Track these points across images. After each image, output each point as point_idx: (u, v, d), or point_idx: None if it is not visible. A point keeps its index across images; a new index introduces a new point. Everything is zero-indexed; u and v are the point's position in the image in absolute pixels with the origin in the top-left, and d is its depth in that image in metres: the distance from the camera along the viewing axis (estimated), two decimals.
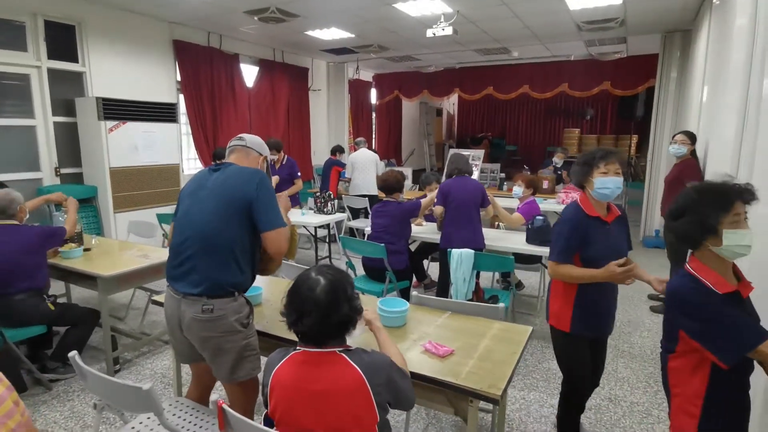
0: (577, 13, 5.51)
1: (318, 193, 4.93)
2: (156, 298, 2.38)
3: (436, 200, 3.73)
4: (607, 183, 1.94)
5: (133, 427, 1.73)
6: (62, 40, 5.10)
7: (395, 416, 2.54)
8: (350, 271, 3.81)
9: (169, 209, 5.53)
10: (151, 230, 4.25)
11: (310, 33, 6.63)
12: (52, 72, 5.01)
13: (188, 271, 1.75)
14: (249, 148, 1.98)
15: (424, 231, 4.10)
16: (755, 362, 1.34)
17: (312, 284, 1.33)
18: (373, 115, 11.07)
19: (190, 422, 1.77)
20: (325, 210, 4.87)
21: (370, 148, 6.94)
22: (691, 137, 4.02)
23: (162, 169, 5.62)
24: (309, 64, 8.61)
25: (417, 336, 1.94)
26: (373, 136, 11.18)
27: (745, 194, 1.34)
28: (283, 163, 5.33)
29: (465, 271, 3.09)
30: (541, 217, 3.54)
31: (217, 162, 1.90)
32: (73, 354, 1.68)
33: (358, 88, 10.08)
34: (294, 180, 5.32)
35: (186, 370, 2.48)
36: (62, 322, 2.96)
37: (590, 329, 2.07)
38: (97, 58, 5.34)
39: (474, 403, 1.59)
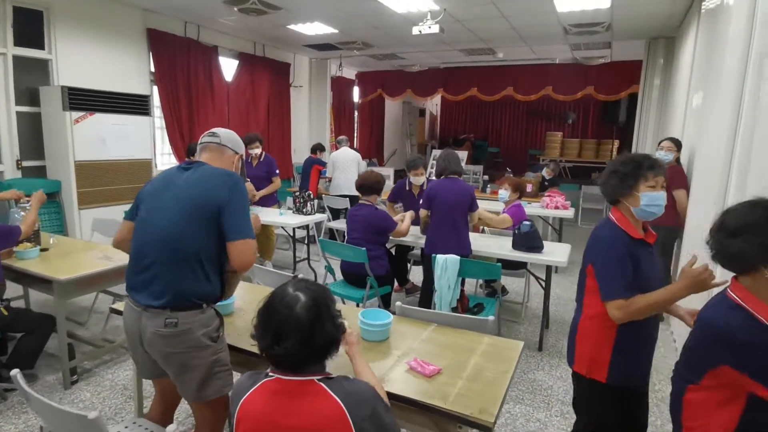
0: (564, 15, 5.45)
1: (297, 193, 4.74)
2: (116, 306, 2.18)
3: (421, 202, 3.59)
4: (657, 199, 1.60)
5: None
6: (29, 26, 4.80)
7: None
8: (329, 276, 3.64)
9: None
10: (116, 228, 3.99)
11: (292, 27, 6.42)
12: (17, 59, 4.71)
13: (150, 280, 1.57)
14: (223, 146, 1.79)
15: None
16: None
17: (290, 301, 1.16)
18: (356, 113, 10.89)
19: None
20: (304, 210, 4.68)
21: (352, 147, 6.77)
22: (677, 144, 3.97)
23: (133, 164, 5.35)
24: (291, 59, 8.40)
25: (401, 352, 1.79)
26: (355, 134, 11.00)
27: None
28: (261, 160, 5.12)
29: (450, 278, 2.95)
30: (528, 222, 3.43)
31: (188, 160, 1.71)
32: (15, 373, 1.49)
33: (340, 86, 9.90)
34: (272, 178, 5.12)
35: (150, 382, 2.28)
36: (15, 328, 2.72)
37: (632, 379, 1.70)
38: (65, 45, 5.04)
39: (463, 429, 1.45)
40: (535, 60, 8.45)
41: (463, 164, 8.01)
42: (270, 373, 1.19)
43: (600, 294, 1.64)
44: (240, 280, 1.89)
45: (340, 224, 5.69)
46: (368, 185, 3.60)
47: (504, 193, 3.94)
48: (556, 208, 5.43)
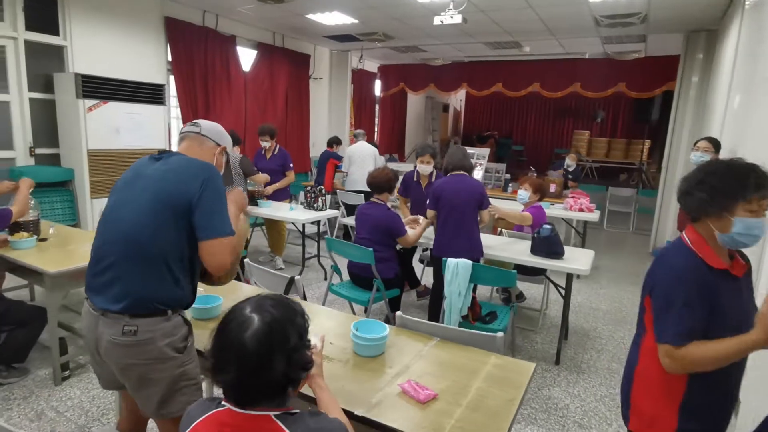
0: (596, 5, 5.12)
1: (309, 188, 4.59)
2: None
3: (428, 202, 3.38)
4: (756, 228, 1.23)
5: None
6: (42, 11, 4.74)
7: None
8: (336, 276, 3.48)
9: None
10: None
11: (311, 17, 6.25)
12: (29, 45, 4.66)
13: (109, 282, 1.42)
14: (204, 137, 1.64)
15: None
16: None
17: (242, 324, 0.98)
18: (377, 107, 10.68)
19: None
20: (315, 206, 4.52)
21: (370, 141, 6.59)
22: (715, 144, 3.64)
23: (146, 153, 5.26)
24: (311, 50, 8.24)
25: (396, 371, 1.60)
26: (376, 129, 10.81)
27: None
28: (275, 153, 4.99)
29: (461, 283, 2.74)
30: (548, 226, 3.18)
31: (161, 151, 1.55)
32: None
33: (362, 79, 9.71)
34: (285, 172, 4.98)
35: None
36: (7, 320, 2.64)
37: None
38: (80, 31, 4.98)
39: None
40: (563, 55, 8.08)
41: (485, 162, 7.81)
42: (223, 402, 1.01)
43: (654, 332, 1.32)
44: (236, 273, 1.72)
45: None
46: (378, 183, 3.41)
47: (524, 193, 3.69)
48: (581, 210, 5.14)
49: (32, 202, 2.95)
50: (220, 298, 1.97)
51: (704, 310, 1.24)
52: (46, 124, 4.88)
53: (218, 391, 1.03)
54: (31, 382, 2.67)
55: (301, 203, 5.00)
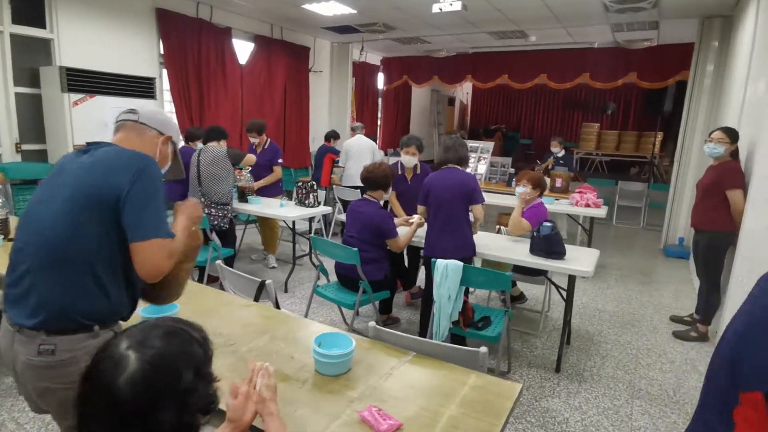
0: None
1: (300, 183, 4.40)
2: None
3: (419, 198, 3.18)
4: None
5: None
6: (29, 4, 4.60)
7: None
8: (322, 277, 3.29)
9: None
10: None
11: (308, 7, 6.05)
12: (15, 38, 4.53)
13: (25, 292, 1.24)
14: (143, 125, 1.44)
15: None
16: None
17: (115, 365, 0.78)
18: (380, 101, 10.45)
19: None
20: (306, 202, 4.34)
21: (370, 135, 6.38)
22: (731, 135, 3.39)
23: None
24: (311, 43, 8.04)
25: (359, 393, 1.40)
26: (379, 123, 10.59)
27: None
28: (265, 147, 4.81)
29: (450, 287, 2.54)
30: (549, 224, 2.96)
31: (89, 142, 1.37)
32: None
33: (364, 72, 9.49)
34: (273, 167, 4.80)
35: None
36: None
37: None
38: (67, 24, 4.83)
39: None
40: (571, 44, 7.77)
41: (488, 156, 7.55)
42: None
43: None
44: (183, 288, 1.54)
45: None
46: (373, 179, 3.21)
47: (522, 189, 3.45)
48: (587, 205, 4.89)
49: (0, 200, 2.80)
50: (176, 305, 1.80)
51: None
52: (33, 120, 4.75)
53: None
54: None
55: (294, 199, 4.81)
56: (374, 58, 9.89)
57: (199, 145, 4.34)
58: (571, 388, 2.80)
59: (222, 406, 1.02)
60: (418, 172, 4.00)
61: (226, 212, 4.00)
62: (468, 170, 3.44)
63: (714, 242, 3.39)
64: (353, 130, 6.23)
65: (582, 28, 6.74)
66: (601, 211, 4.80)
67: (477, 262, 3.18)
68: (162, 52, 5.70)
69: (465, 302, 2.61)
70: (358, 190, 5.44)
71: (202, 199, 3.94)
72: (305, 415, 1.29)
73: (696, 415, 0.89)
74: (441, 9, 4.84)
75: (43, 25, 4.73)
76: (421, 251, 3.17)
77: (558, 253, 2.90)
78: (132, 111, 1.46)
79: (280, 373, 1.46)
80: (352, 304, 2.94)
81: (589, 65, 7.73)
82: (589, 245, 4.84)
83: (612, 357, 3.21)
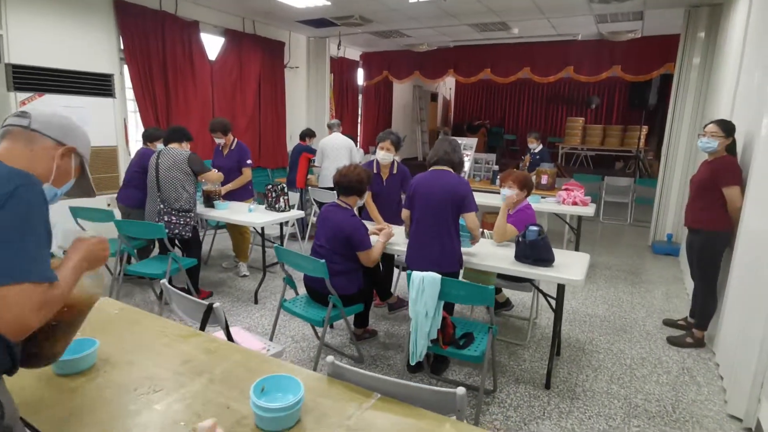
0: None
1: (270, 186, 4.10)
2: None
3: (403, 201, 2.91)
4: None
5: None
6: None
7: None
8: (290, 290, 3.00)
9: (97, 199, 4.69)
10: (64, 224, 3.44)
11: None
12: None
13: None
14: (35, 132, 1.15)
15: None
16: None
17: None
18: (360, 97, 10.15)
19: None
20: (276, 206, 4.04)
21: (348, 133, 6.09)
22: (726, 128, 3.18)
23: (93, 152, 4.69)
24: (285, 37, 7.70)
25: None
26: (359, 120, 10.29)
27: None
28: (232, 148, 4.49)
29: (427, 302, 2.27)
30: (535, 228, 2.71)
31: None
32: None
33: (342, 68, 9.18)
34: (242, 169, 4.49)
35: None
36: None
37: None
38: (17, 19, 4.43)
39: None
40: (554, 36, 7.57)
41: (472, 152, 7.31)
42: None
43: None
44: (76, 330, 1.24)
45: None
46: (347, 183, 2.92)
47: (509, 192, 3.18)
48: (574, 204, 4.67)
49: None
50: (96, 341, 1.50)
51: None
52: None
53: None
54: None
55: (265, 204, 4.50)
56: (353, 53, 9.59)
57: (159, 146, 4.02)
58: (563, 407, 2.56)
59: None
60: (395, 172, 3.73)
61: (188, 219, 3.68)
62: (463, 175, 3.17)
63: (709, 243, 3.18)
64: (330, 128, 5.94)
65: (565, 20, 6.53)
66: (590, 210, 4.58)
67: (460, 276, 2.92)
68: (122, 47, 5.33)
69: (444, 318, 2.35)
70: (335, 192, 5.16)
71: (161, 206, 3.62)
72: None
73: None
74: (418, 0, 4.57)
75: None
76: (396, 255, 2.92)
77: (546, 261, 2.66)
78: (22, 114, 1.16)
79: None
80: (321, 321, 2.65)
81: (573, 58, 7.54)
82: (577, 246, 4.63)
83: (605, 369, 2.98)
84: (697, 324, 3.32)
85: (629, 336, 3.46)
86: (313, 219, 5.34)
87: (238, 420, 1.24)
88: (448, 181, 2.64)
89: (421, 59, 9.01)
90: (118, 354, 1.56)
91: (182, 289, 3.87)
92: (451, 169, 2.71)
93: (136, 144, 5.93)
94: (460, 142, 7.20)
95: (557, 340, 2.97)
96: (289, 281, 2.93)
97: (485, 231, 3.40)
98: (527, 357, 3.13)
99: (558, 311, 2.79)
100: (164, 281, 2.12)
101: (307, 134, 6.04)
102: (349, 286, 2.75)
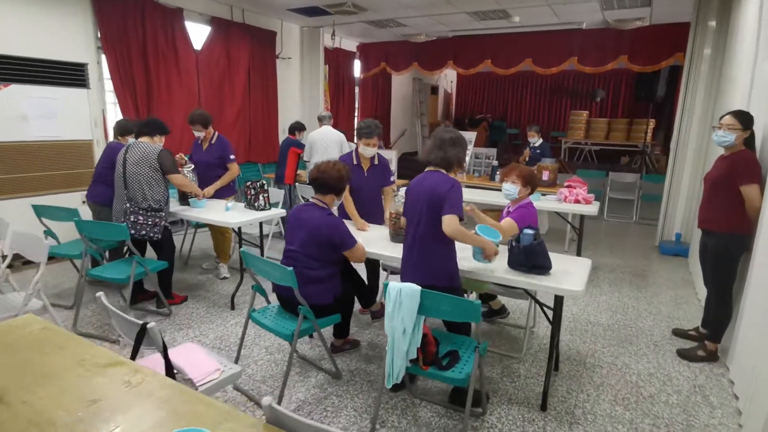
0: None
1: (249, 183, 3.81)
2: None
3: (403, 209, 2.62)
4: None
5: None
6: None
7: None
8: (260, 298, 2.73)
9: (71, 196, 4.42)
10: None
11: None
12: None
13: None
14: None
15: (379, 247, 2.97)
16: None
17: None
18: (357, 90, 9.84)
19: None
20: (256, 204, 3.76)
21: (343, 127, 5.80)
22: (744, 120, 2.87)
23: (66, 146, 4.51)
24: (277, 27, 7.39)
25: None
26: (356, 113, 9.98)
27: None
28: (212, 143, 4.21)
29: (405, 318, 1.99)
30: (530, 231, 2.42)
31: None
32: None
33: (338, 59, 8.86)
34: (227, 164, 4.21)
35: None
36: None
37: None
38: None
39: None
40: (558, 25, 7.22)
41: (471, 146, 7.00)
42: None
43: None
44: None
45: None
46: (324, 181, 2.64)
47: (511, 188, 2.86)
48: (576, 201, 4.37)
49: None
50: None
51: None
52: None
53: None
54: None
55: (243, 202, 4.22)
56: (350, 44, 9.27)
57: (130, 140, 3.74)
58: (561, 431, 2.29)
59: None
60: (377, 162, 3.45)
61: (157, 220, 3.40)
62: (459, 176, 2.86)
63: (725, 246, 2.88)
64: (320, 120, 5.65)
65: (569, 7, 6.19)
66: (593, 208, 4.28)
67: None
68: (99, 35, 5.05)
69: (425, 335, 2.07)
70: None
71: (128, 204, 3.34)
72: None
73: None
74: None
75: None
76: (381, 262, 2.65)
77: (542, 268, 2.37)
78: None
79: None
80: (290, 335, 2.38)
81: (577, 48, 7.20)
82: (578, 248, 4.34)
83: (608, 387, 2.70)
84: (710, 335, 3.03)
85: (635, 348, 3.17)
86: None
87: None
88: (433, 181, 2.32)
89: (419, 50, 8.69)
90: (14, 389, 1.29)
91: (153, 294, 3.64)
92: (443, 170, 2.39)
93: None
94: None
95: (555, 354, 2.69)
96: (259, 288, 2.65)
97: None
98: (522, 372, 2.85)
99: (556, 323, 2.50)
100: (101, 294, 1.84)
101: (297, 128, 5.75)
102: (323, 295, 2.48)
